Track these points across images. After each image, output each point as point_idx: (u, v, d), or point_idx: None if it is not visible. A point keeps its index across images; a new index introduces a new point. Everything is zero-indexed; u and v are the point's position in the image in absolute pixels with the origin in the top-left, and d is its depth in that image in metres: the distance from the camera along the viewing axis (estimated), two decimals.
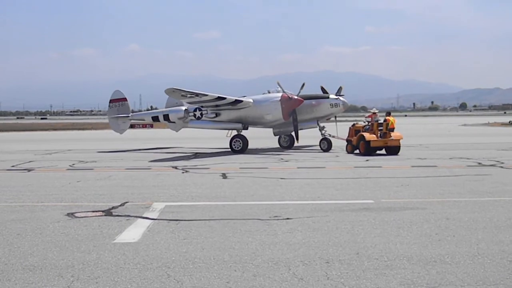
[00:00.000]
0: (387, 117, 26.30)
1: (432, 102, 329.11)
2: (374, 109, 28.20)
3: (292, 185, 14.96)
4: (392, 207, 11.17)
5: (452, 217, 10.06)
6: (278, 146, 31.21)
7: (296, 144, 30.10)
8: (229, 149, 28.27)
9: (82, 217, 10.56)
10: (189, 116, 30.56)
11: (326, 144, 28.21)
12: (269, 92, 29.85)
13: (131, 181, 16.27)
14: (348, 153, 26.31)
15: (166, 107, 32.79)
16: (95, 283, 6.48)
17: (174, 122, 31.82)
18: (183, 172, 18.66)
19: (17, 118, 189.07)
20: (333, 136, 28.53)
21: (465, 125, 71.97)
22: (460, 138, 40.32)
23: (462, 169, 18.45)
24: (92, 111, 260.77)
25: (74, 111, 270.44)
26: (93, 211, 11.12)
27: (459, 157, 23.38)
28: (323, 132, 28.68)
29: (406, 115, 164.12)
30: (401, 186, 14.36)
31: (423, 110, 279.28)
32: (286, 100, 28.54)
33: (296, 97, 28.72)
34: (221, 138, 33.09)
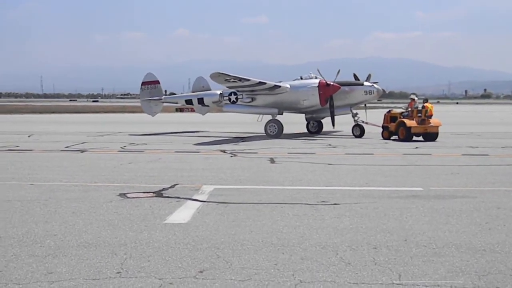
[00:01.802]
0: (425, 104, 26.20)
1: (485, 90, 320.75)
2: (413, 95, 28.01)
3: (340, 171, 14.95)
4: (441, 195, 11.06)
5: (503, 206, 9.91)
6: (306, 131, 31.52)
7: (333, 129, 29.99)
8: (263, 134, 28.28)
9: (133, 197, 10.84)
10: (224, 100, 30.64)
11: (359, 130, 28.23)
12: (301, 78, 29.81)
13: (181, 164, 16.54)
14: (384, 139, 26.31)
15: (192, 91, 32.93)
16: (147, 261, 6.68)
17: (207, 106, 31.89)
18: (231, 156, 18.84)
19: (70, 100, 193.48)
20: (366, 123, 28.48)
21: None
22: None
23: None
24: None
25: (124, 94, 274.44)
26: (144, 192, 11.39)
27: (511, 146, 22.89)
28: (356, 118, 28.66)
29: (457, 103, 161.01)
30: (451, 174, 14.18)
31: (475, 97, 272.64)
32: (323, 87, 28.57)
33: (333, 83, 28.65)
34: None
